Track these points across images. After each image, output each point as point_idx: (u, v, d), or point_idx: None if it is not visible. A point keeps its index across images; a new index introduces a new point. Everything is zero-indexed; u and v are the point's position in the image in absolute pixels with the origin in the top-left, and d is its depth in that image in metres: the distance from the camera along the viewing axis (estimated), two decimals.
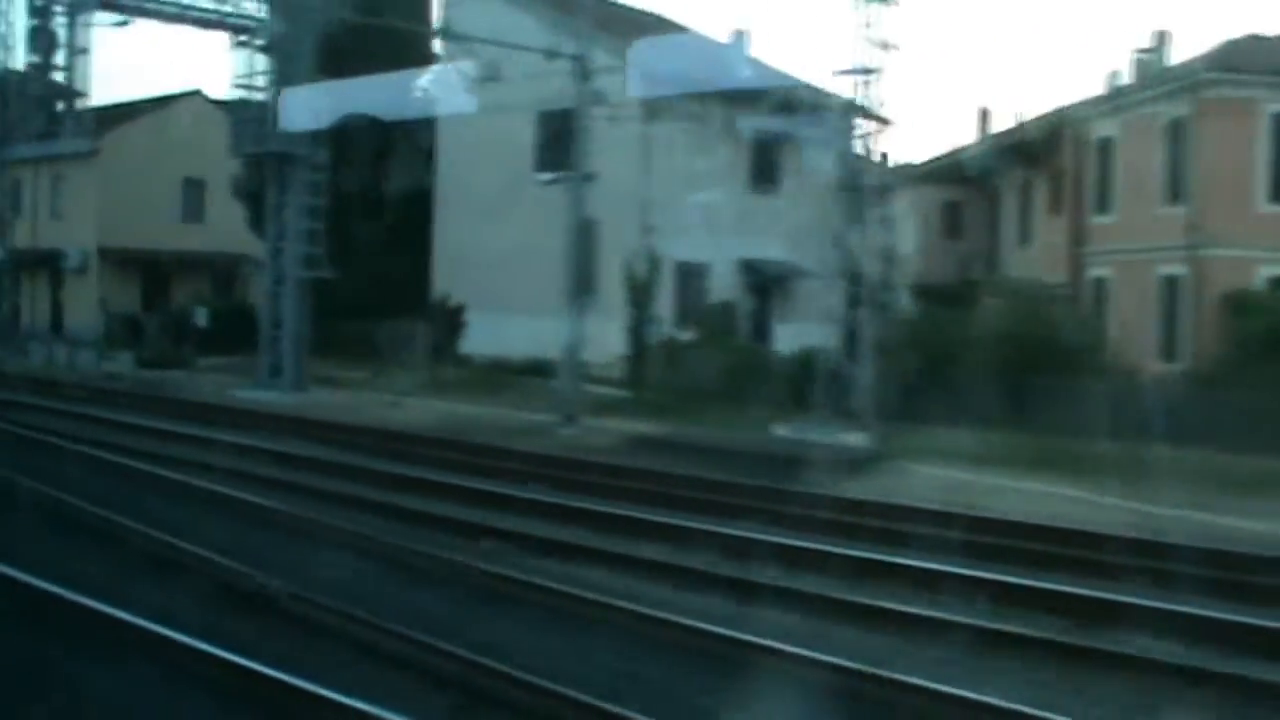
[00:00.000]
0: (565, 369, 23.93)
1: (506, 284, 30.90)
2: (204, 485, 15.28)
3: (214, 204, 44.51)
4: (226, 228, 43.86)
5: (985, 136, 44.83)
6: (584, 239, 24.00)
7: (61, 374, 32.23)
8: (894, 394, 23.61)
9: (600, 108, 29.64)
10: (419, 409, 26.08)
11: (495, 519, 13.93)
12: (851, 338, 23.81)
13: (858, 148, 25.39)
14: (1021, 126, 40.54)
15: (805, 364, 24.48)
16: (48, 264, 43.50)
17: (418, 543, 12.40)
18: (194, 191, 44.39)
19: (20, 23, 40.89)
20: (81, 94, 61.50)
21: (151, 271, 43.48)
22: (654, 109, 29.43)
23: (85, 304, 42.43)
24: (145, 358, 34.00)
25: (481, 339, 31.73)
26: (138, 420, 22.53)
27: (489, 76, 25.99)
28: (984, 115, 44.78)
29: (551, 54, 23.52)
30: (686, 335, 29.25)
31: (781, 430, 22.81)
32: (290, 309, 28.15)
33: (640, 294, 28.97)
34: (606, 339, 28.88)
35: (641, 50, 30.42)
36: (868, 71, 23.36)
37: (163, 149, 41.99)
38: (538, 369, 29.67)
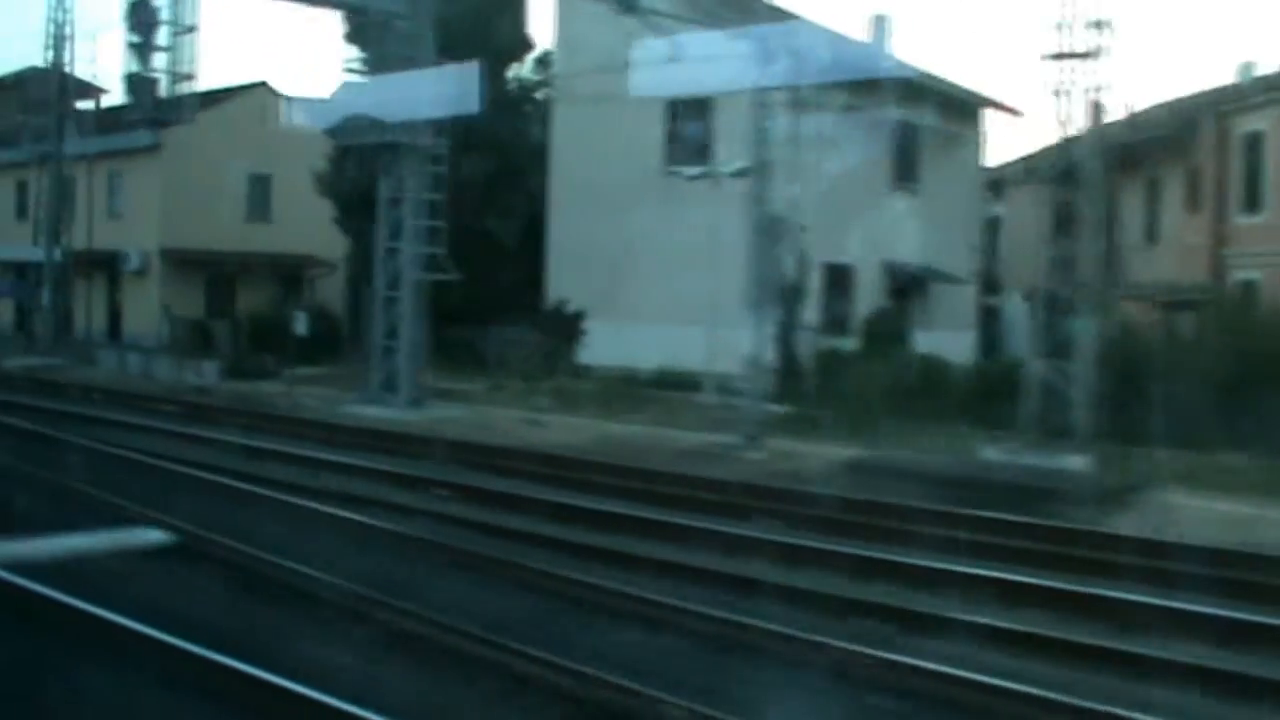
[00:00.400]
0: (747, 383, 21.40)
1: (630, 288, 28.41)
2: (379, 525, 13.28)
3: (280, 201, 42.00)
4: (293, 226, 41.43)
5: (1094, 129, 42.39)
6: (769, 239, 21.46)
7: (141, 385, 29.64)
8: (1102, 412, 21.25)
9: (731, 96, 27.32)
10: (562, 427, 23.55)
11: (737, 565, 12.12)
12: (1056, 347, 21.35)
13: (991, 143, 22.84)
14: (1134, 119, 38.13)
15: (1005, 376, 22.00)
16: (104, 266, 40.91)
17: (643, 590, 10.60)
18: (259, 188, 41.82)
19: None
20: (103, 90, 59.12)
21: (215, 274, 40.88)
22: (799, 99, 26.91)
23: (145, 308, 39.85)
24: (233, 368, 31.37)
25: (601, 348, 29.20)
26: (259, 443, 20.01)
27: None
28: (1096, 108, 42.27)
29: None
30: (839, 343, 26.77)
31: (990, 452, 20.33)
32: (406, 316, 25.60)
33: (790, 299, 26.45)
34: (746, 348, 26.43)
35: (783, 36, 27.93)
36: (1084, 56, 20.81)
37: (227, 143, 39.40)
38: (671, 381, 27.21)
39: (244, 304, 40.90)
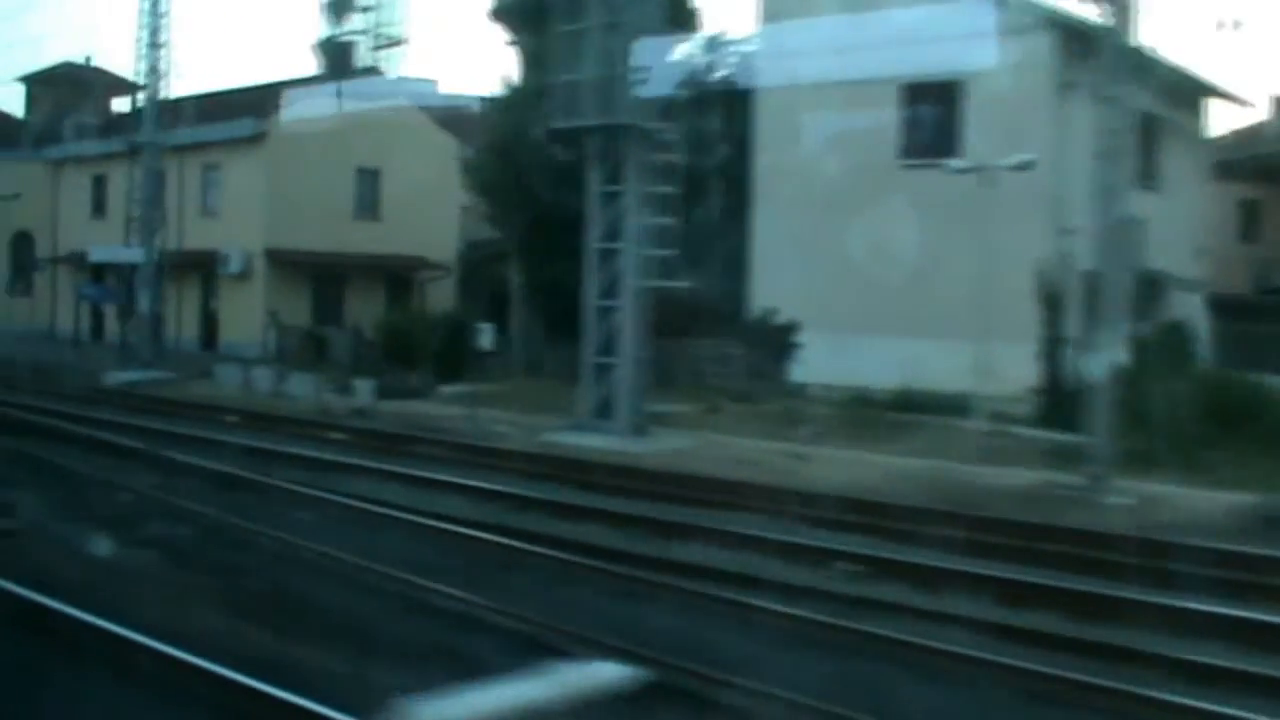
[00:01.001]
0: (1095, 410, 17.85)
1: (855, 296, 24.86)
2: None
3: (389, 198, 38.37)
4: (402, 226, 37.86)
5: None
6: (1117, 243, 17.95)
7: (285, 406, 25.95)
8: None
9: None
10: (827, 461, 20.01)
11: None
12: None
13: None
14: None
15: None
16: (197, 268, 37.22)
17: None
18: (368, 184, 38.16)
19: None
20: (137, 85, 55.50)
21: (323, 277, 37.21)
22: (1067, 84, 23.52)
23: (245, 315, 36.16)
24: (385, 386, 27.70)
25: (819, 364, 25.65)
26: (515, 490, 16.56)
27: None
28: None
29: None
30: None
31: None
32: (627, 329, 22.02)
33: (1054, 311, 23.01)
34: (1005, 367, 22.96)
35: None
36: None
37: (333, 134, 35.76)
38: (919, 403, 23.69)
39: (353, 310, 37.21)
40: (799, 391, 25.45)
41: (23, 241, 43.69)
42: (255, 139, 35.47)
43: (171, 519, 13.77)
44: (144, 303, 32.99)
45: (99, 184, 41.44)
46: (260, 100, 37.16)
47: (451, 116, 38.79)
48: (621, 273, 22.11)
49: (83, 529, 12.76)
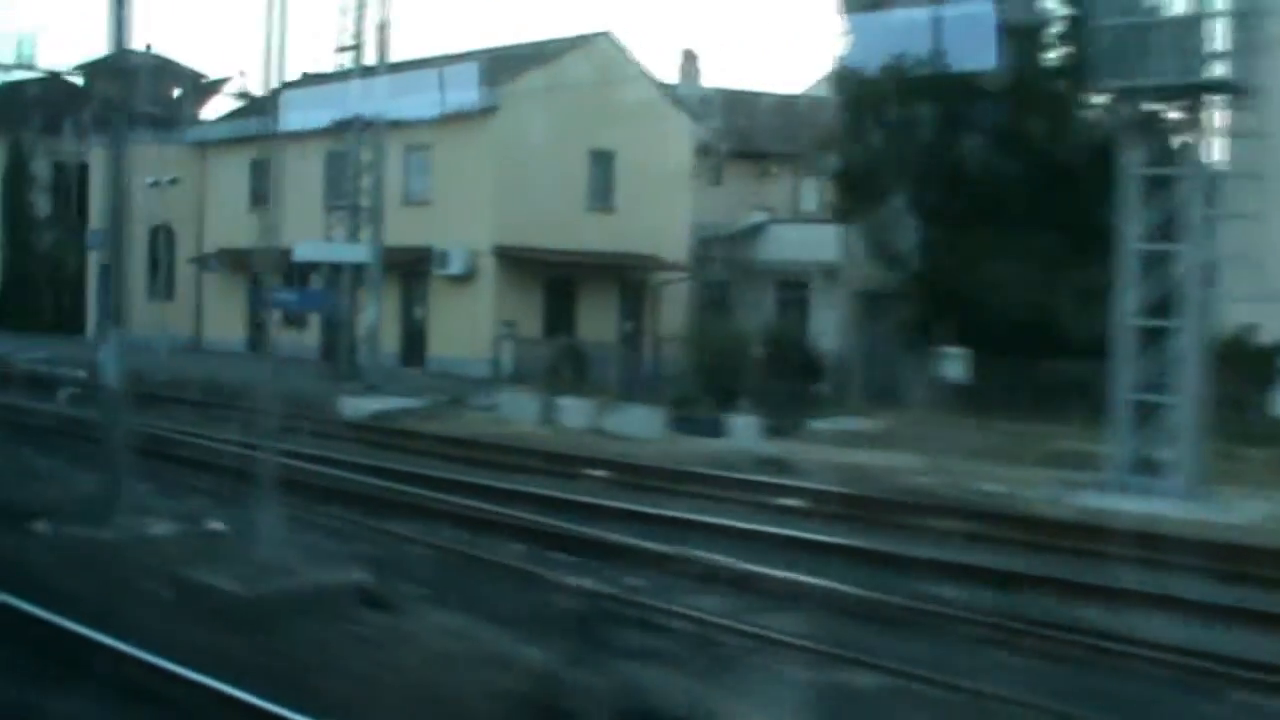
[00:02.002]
0: None
1: None
2: None
3: (623, 186, 32.61)
4: (636, 218, 32.18)
5: None
6: None
7: (645, 453, 20.00)
8: None
9: None
10: None
11: None
12: None
13: None
14: None
15: None
16: (399, 268, 31.30)
17: None
18: (601, 169, 32.37)
19: None
20: (201, 75, 49.83)
21: (555, 279, 31.44)
22: None
23: (464, 324, 30.30)
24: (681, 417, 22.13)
25: None
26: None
27: None
28: None
29: None
30: None
31: None
32: (1190, 358, 16.42)
33: None
34: None
35: None
36: None
37: (564, 110, 30.06)
38: None
39: (585, 319, 31.50)
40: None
41: (162, 236, 37.68)
42: (484, 114, 29.61)
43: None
44: (372, 312, 27.16)
45: (259, 170, 35.43)
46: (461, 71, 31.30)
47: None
48: (1179, 283, 16.52)
49: None
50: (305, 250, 28.58)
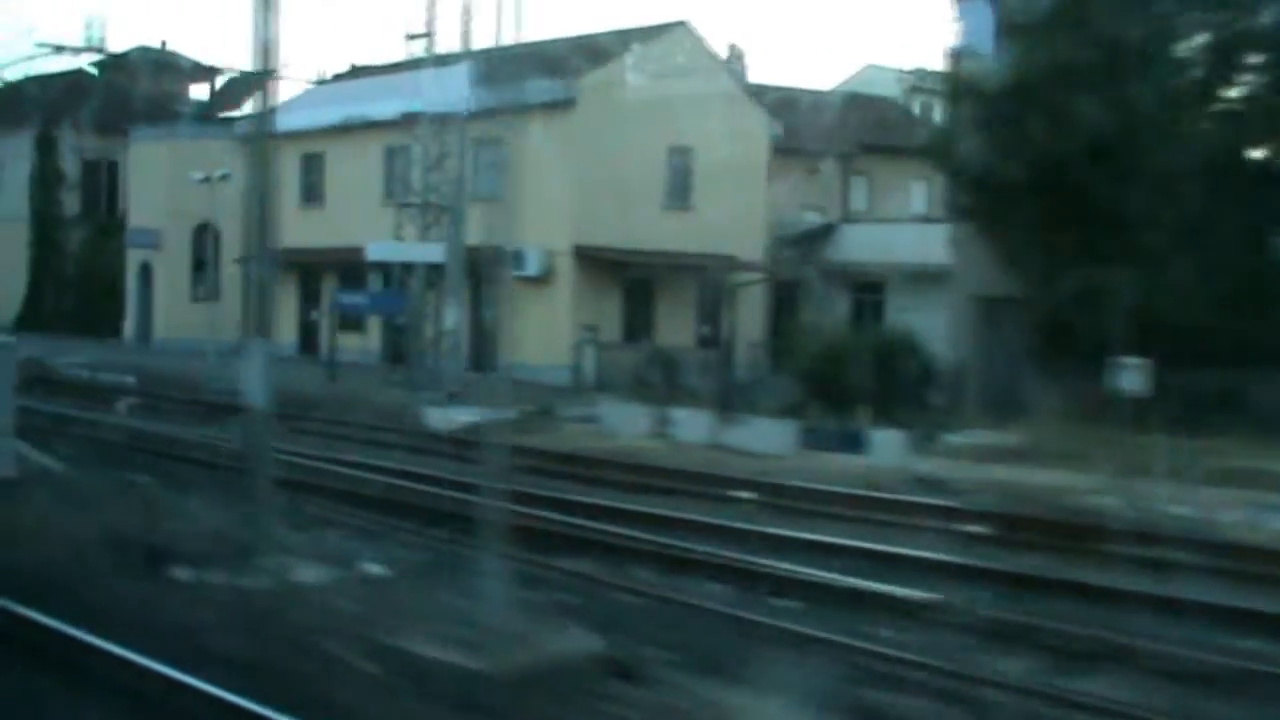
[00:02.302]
0: None
1: None
2: None
3: (701, 184, 30.87)
4: (714, 218, 30.45)
5: None
6: None
7: (774, 468, 18.18)
8: None
9: None
10: None
11: None
12: None
13: None
14: None
15: None
16: (475, 268, 29.45)
17: None
18: (679, 165, 30.61)
19: None
20: (219, 70, 48.10)
21: (634, 281, 29.67)
22: None
23: (538, 328, 28.42)
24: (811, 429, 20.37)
25: None
26: None
27: None
28: None
29: None
30: None
31: None
32: None
33: None
34: None
35: None
36: None
37: (643, 103, 28.33)
38: None
39: (664, 323, 29.75)
40: None
41: (206, 234, 35.83)
42: (560, 107, 27.83)
43: None
44: (450, 317, 25.36)
45: (312, 165, 33.73)
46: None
47: None
48: None
49: None
50: (378, 250, 26.80)
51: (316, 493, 15.36)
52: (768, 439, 19.83)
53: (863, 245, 33.14)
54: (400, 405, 24.57)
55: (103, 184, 44.24)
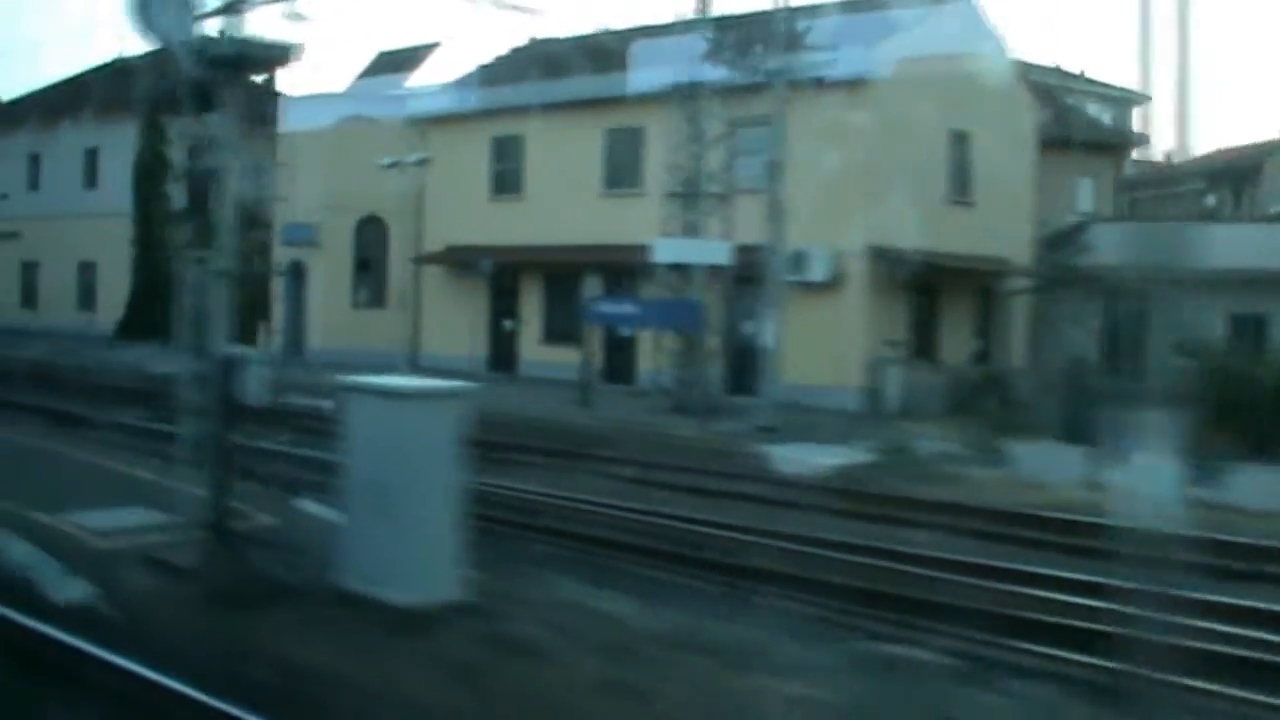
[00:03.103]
0: None
1: None
2: None
3: (980, 176, 26.78)
4: (991, 214, 26.44)
5: None
6: None
7: None
8: None
9: None
10: None
11: None
12: None
13: None
14: None
15: None
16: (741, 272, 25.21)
17: None
18: (958, 154, 26.48)
19: None
20: (286, 50, 43.38)
21: (920, 288, 25.47)
22: None
23: (818, 342, 24.13)
24: None
25: None
26: None
27: None
28: None
29: None
30: None
31: None
32: None
33: None
34: None
35: None
36: None
37: (926, 84, 24.21)
38: None
39: (947, 337, 25.66)
40: None
41: (371, 231, 31.31)
42: (852, 84, 23.60)
43: None
44: (769, 330, 21.09)
45: (504, 150, 29.31)
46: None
47: None
48: None
49: None
50: (665, 250, 22.48)
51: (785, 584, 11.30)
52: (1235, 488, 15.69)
53: (1117, 248, 29.16)
54: (711, 441, 20.29)
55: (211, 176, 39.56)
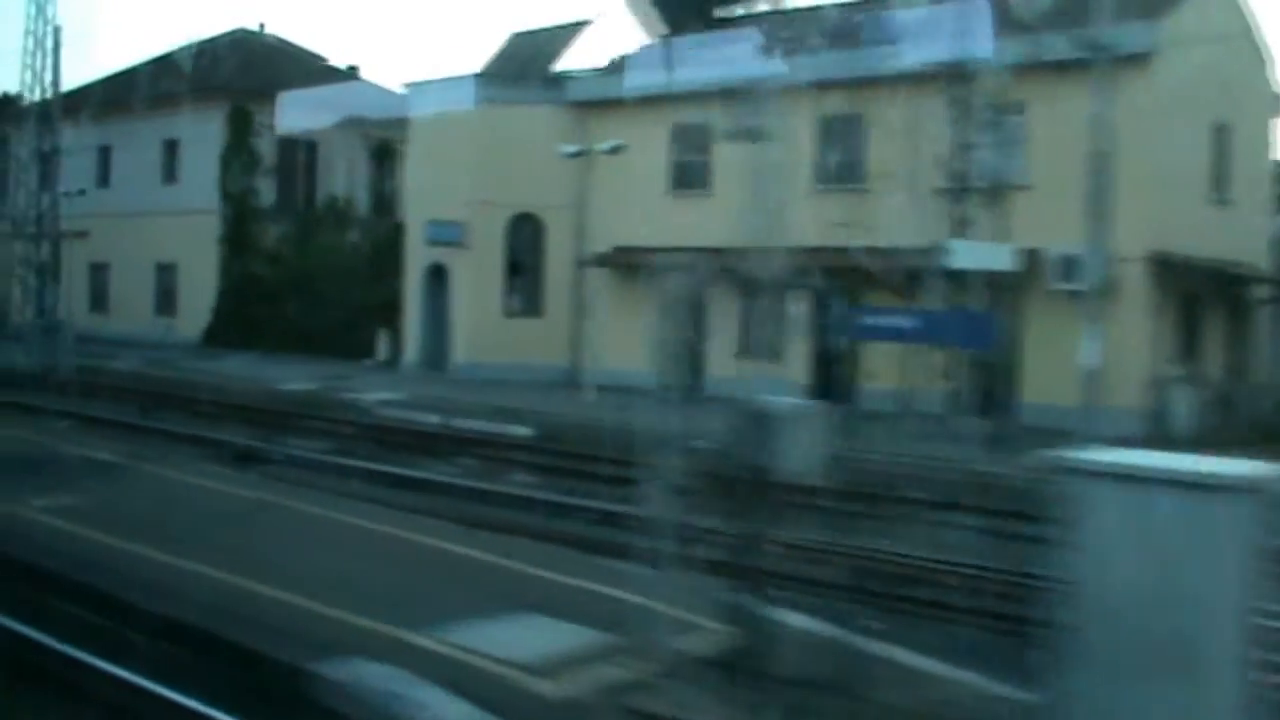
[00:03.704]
0: None
1: None
2: None
3: (1239, 171, 24.14)
4: (1245, 215, 23.84)
5: None
6: None
7: None
8: None
9: None
10: None
11: None
12: None
13: None
14: None
15: None
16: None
17: None
18: (1221, 147, 23.79)
19: None
20: (316, 55, 40.67)
21: (1185, 297, 22.76)
22: None
23: (1067, 359, 21.30)
24: None
25: None
26: None
27: None
28: None
29: None
30: None
31: None
32: None
33: None
34: None
35: None
36: None
37: (1185, 71, 21.49)
38: None
39: (1209, 350, 22.94)
40: None
41: (526, 229, 28.13)
42: (1130, 62, 20.73)
43: None
44: (1093, 347, 18.28)
45: (685, 139, 26.33)
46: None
47: None
48: None
49: None
50: (963, 256, 19.58)
51: None
52: None
53: None
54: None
55: (297, 169, 36.46)
